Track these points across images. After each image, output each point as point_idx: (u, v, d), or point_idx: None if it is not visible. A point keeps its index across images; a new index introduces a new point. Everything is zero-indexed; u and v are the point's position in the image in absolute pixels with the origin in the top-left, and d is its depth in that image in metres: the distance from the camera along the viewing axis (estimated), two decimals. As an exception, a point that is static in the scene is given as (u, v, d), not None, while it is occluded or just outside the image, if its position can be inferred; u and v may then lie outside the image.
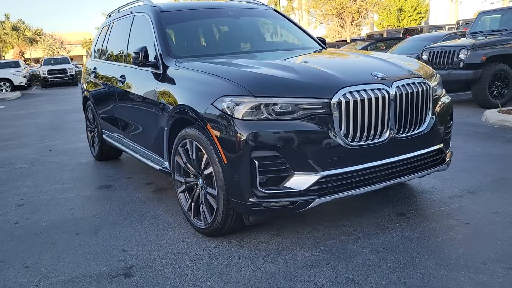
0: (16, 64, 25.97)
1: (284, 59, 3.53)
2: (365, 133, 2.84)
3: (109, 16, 5.81)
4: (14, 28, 52.74)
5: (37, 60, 54.27)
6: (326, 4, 24.01)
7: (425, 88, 3.09)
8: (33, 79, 28.52)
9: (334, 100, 2.74)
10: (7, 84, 23.16)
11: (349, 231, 3.18)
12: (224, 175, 2.86)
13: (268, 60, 3.39)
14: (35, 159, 6.37)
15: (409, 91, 2.98)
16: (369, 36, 26.85)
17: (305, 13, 27.42)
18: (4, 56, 56.15)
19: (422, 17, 35.22)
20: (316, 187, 2.76)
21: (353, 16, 24.25)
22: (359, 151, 2.83)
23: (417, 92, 3.03)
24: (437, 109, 3.27)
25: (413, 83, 3.03)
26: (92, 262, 2.95)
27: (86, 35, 62.48)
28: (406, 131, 3.02)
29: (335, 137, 2.75)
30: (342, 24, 25.77)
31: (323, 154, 2.76)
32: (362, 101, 2.79)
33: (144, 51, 3.76)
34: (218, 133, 2.84)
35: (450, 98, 3.56)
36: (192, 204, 3.32)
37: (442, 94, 3.45)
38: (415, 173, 3.17)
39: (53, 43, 59.30)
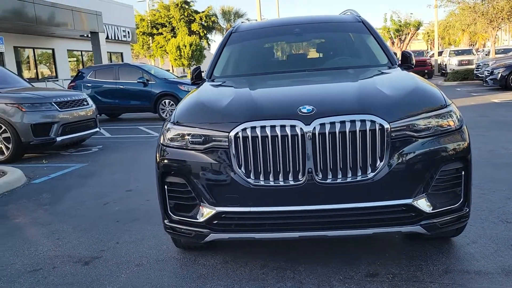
0: None
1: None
2: (271, 174, 2.54)
3: None
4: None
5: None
6: None
7: (370, 128, 2.46)
8: None
9: (231, 134, 2.57)
10: None
11: (282, 277, 2.86)
12: (159, 194, 3.07)
13: (250, 85, 3.29)
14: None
15: (337, 131, 2.45)
16: None
17: None
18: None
19: None
20: (215, 222, 2.68)
21: None
22: (263, 192, 2.56)
23: (353, 132, 2.46)
24: (415, 153, 2.52)
25: (351, 121, 2.47)
26: (71, 248, 3.59)
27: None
28: (339, 176, 2.51)
29: (233, 174, 2.59)
30: None
31: (221, 190, 2.65)
32: (265, 138, 2.51)
33: (198, 72, 4.19)
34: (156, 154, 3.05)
35: (465, 140, 2.65)
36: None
37: (440, 134, 2.60)
38: (359, 229, 2.58)
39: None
